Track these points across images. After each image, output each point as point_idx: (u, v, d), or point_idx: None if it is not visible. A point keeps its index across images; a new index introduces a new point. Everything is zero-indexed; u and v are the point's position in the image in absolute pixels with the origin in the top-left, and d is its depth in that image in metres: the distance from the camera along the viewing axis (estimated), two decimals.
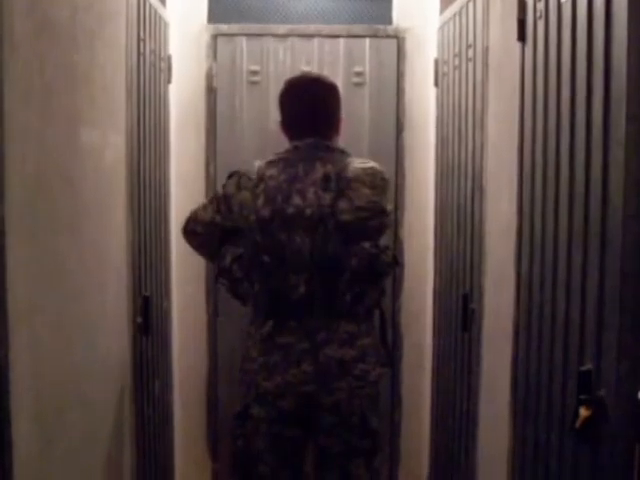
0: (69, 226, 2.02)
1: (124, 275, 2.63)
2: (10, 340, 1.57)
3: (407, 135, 3.80)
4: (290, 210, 2.38)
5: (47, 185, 1.84)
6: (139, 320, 2.79)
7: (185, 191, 3.56)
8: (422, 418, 3.82)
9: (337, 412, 2.41)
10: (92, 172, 2.23)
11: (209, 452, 3.87)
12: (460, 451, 3.05)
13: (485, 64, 2.70)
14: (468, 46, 2.95)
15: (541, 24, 2.08)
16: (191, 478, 3.83)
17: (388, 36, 3.78)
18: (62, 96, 1.96)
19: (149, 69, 2.97)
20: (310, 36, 3.74)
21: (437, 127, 3.57)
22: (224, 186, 2.53)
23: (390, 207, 2.47)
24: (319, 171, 2.40)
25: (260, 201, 2.40)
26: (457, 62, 3.14)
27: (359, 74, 3.77)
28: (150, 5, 2.96)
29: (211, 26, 3.74)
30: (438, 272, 3.53)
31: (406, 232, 3.81)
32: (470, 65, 2.92)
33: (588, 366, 1.74)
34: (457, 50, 3.14)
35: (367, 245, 2.40)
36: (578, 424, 1.70)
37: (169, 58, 3.42)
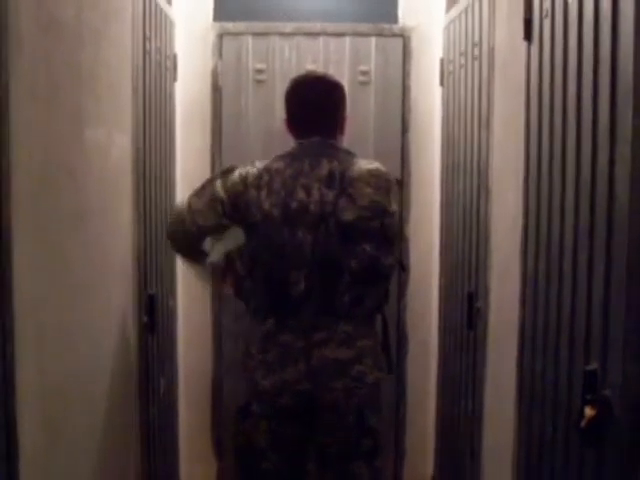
0: (75, 224, 2.03)
1: (130, 273, 2.64)
2: (16, 338, 1.57)
3: (412, 134, 3.80)
4: (294, 205, 2.38)
5: (53, 182, 1.84)
6: (145, 318, 2.80)
7: (191, 189, 3.54)
8: (427, 416, 3.82)
9: (335, 411, 2.41)
10: (98, 170, 2.24)
11: (214, 450, 3.88)
12: (465, 449, 3.05)
13: (491, 63, 2.70)
14: (474, 45, 2.95)
15: (547, 23, 2.07)
16: (196, 476, 3.83)
17: (394, 35, 3.77)
18: (68, 94, 1.96)
19: (155, 67, 2.97)
20: (316, 34, 3.74)
21: (442, 126, 3.57)
22: (224, 183, 2.46)
23: (394, 208, 2.41)
24: (325, 168, 2.40)
25: (264, 193, 2.40)
26: (463, 61, 3.14)
27: (365, 73, 3.77)
28: (156, 3, 2.97)
29: (217, 24, 3.74)
30: (443, 270, 3.53)
31: (411, 230, 3.81)
32: (476, 64, 2.91)
33: (594, 365, 1.73)
34: (463, 49, 3.14)
35: (368, 247, 2.35)
36: (583, 423, 1.70)
37: (175, 56, 3.42)
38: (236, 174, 2.46)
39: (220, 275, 2.60)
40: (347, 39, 3.75)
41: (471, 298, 2.94)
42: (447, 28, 3.45)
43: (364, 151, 3.64)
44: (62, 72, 1.91)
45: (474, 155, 2.93)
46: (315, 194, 2.38)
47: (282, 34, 3.73)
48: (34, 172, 1.71)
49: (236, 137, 3.76)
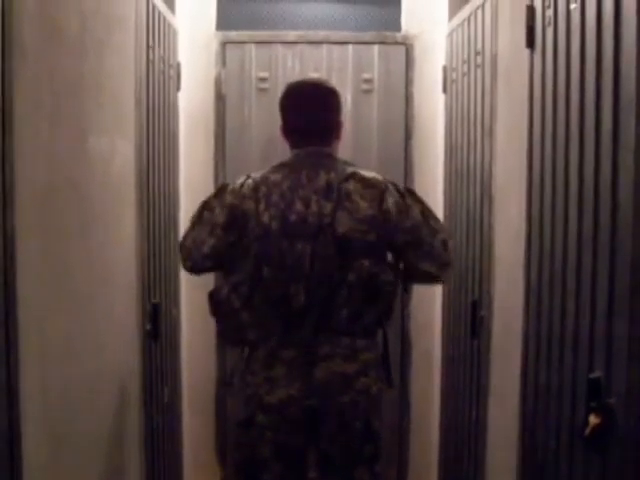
0: (78, 234, 2.03)
1: (133, 282, 2.64)
2: (20, 348, 1.57)
3: (415, 142, 3.80)
4: (292, 217, 2.36)
5: (56, 193, 1.84)
6: (148, 327, 2.80)
7: (194, 198, 3.51)
8: (431, 425, 3.81)
9: (340, 419, 2.40)
10: (101, 179, 2.24)
11: (218, 459, 3.87)
12: (469, 459, 3.04)
13: (494, 71, 2.70)
14: (477, 53, 2.95)
15: (550, 31, 2.08)
16: None
17: (397, 43, 3.78)
18: (71, 104, 1.97)
19: (158, 76, 2.98)
20: (319, 43, 3.75)
21: (446, 134, 3.57)
22: (221, 203, 2.41)
23: (388, 206, 2.35)
24: (322, 179, 2.38)
25: (262, 206, 2.38)
26: (466, 69, 3.14)
27: (368, 81, 3.77)
28: (159, 12, 2.97)
29: (220, 33, 3.75)
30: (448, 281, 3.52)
31: None
32: (479, 72, 2.92)
33: (598, 373, 1.73)
34: (466, 57, 3.14)
35: (367, 262, 2.34)
36: (587, 432, 1.70)
37: (178, 65, 3.43)
38: (230, 189, 2.44)
39: (210, 313, 2.51)
40: (350, 47, 3.76)
41: (475, 307, 2.93)
42: (450, 36, 3.45)
43: (367, 159, 3.66)
44: (66, 82, 1.91)
45: (477, 163, 2.93)
46: (313, 206, 2.36)
47: (285, 42, 3.74)
48: (38, 182, 1.71)
49: (239, 145, 3.77)
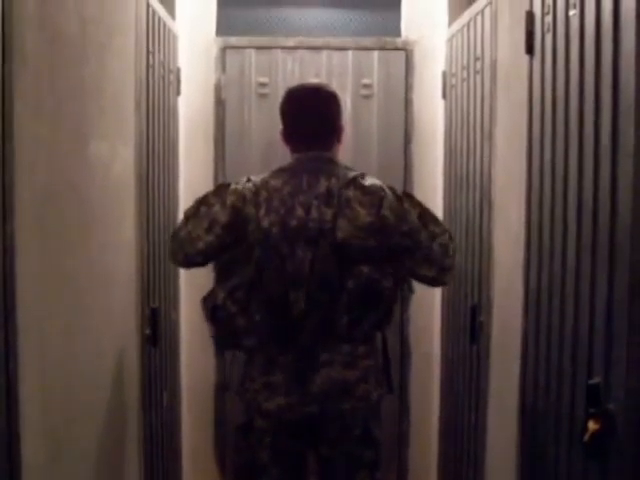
0: (78, 237, 2.03)
1: (132, 286, 2.64)
2: (19, 352, 1.57)
3: (415, 147, 3.81)
4: (293, 222, 2.35)
5: (56, 196, 1.84)
6: (147, 331, 2.80)
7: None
8: (430, 429, 3.81)
9: (340, 425, 2.40)
10: (101, 183, 2.24)
11: (217, 463, 3.87)
12: (468, 463, 3.04)
13: (493, 77, 2.71)
14: (476, 59, 2.96)
15: (549, 37, 2.08)
16: None
17: (396, 48, 3.79)
18: (72, 108, 1.97)
19: (158, 81, 2.99)
20: (319, 48, 3.75)
21: (445, 139, 3.57)
22: (222, 201, 2.40)
23: (385, 213, 2.34)
24: (323, 185, 2.38)
25: (262, 211, 2.37)
26: (465, 74, 3.15)
27: (367, 86, 3.78)
28: (159, 18, 2.98)
29: (220, 39, 3.76)
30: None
31: None
32: (478, 77, 2.92)
33: (597, 379, 1.73)
34: (465, 62, 3.15)
35: (366, 269, 2.34)
36: (586, 437, 1.70)
37: (178, 70, 3.43)
38: (231, 189, 2.41)
39: (206, 319, 2.50)
40: (350, 53, 3.77)
41: (474, 311, 2.93)
42: (449, 41, 3.46)
43: (367, 164, 3.66)
44: (66, 86, 1.91)
45: (477, 168, 2.94)
46: (314, 212, 2.35)
47: (285, 48, 3.75)
48: (38, 186, 1.71)
49: (239, 150, 3.77)
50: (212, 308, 2.42)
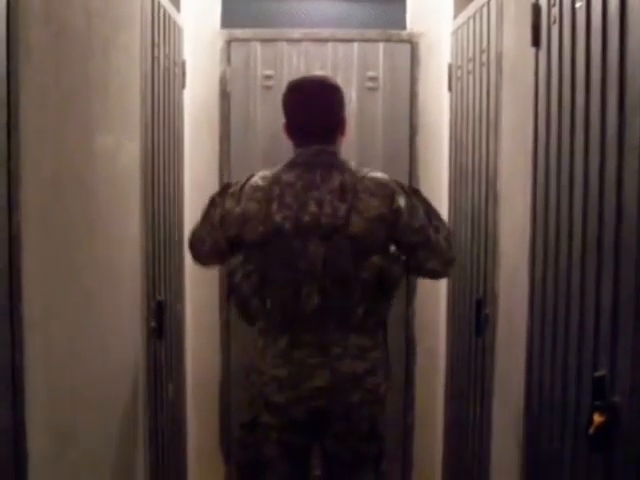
0: (83, 231, 2.03)
1: (138, 279, 2.65)
2: (25, 346, 1.58)
3: (421, 140, 3.80)
4: (306, 218, 2.35)
5: (62, 191, 1.85)
6: (153, 324, 2.80)
7: (199, 196, 3.54)
8: (435, 423, 3.82)
9: (347, 420, 2.41)
10: (106, 177, 2.25)
11: (223, 456, 3.88)
12: (473, 456, 3.05)
13: (499, 69, 2.70)
14: (482, 51, 2.95)
15: (555, 29, 2.07)
16: None
17: (402, 41, 3.78)
18: (77, 102, 1.97)
19: (163, 74, 2.98)
20: (324, 41, 3.74)
21: (451, 132, 3.57)
22: (222, 205, 2.47)
23: (400, 204, 2.37)
24: (336, 180, 2.38)
25: (275, 206, 2.38)
26: (471, 67, 3.14)
27: (373, 79, 3.77)
28: (164, 10, 2.98)
29: (225, 31, 3.75)
30: (452, 277, 3.52)
31: None
32: (484, 70, 2.92)
33: (602, 372, 1.73)
34: (471, 55, 3.14)
35: (376, 259, 2.36)
36: (592, 430, 1.70)
37: (183, 63, 3.43)
38: (230, 193, 2.46)
39: (225, 295, 2.59)
40: (355, 45, 3.76)
41: (479, 305, 2.93)
42: (455, 34, 3.45)
43: (373, 157, 3.66)
44: (71, 80, 1.91)
45: (482, 161, 2.93)
46: (327, 207, 2.35)
47: (290, 40, 3.74)
48: (43, 180, 1.71)
49: (244, 143, 3.77)
50: (231, 286, 2.49)
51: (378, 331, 2.47)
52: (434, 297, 3.79)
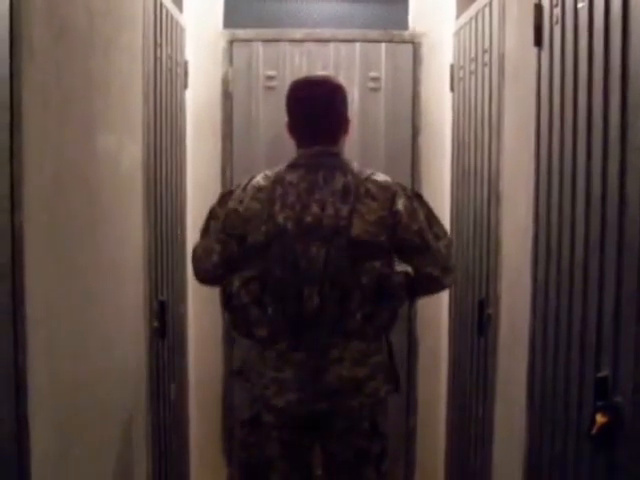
0: (86, 231, 2.03)
1: (140, 280, 2.65)
2: (28, 345, 1.58)
3: (423, 140, 3.80)
4: (308, 219, 2.34)
5: (64, 191, 1.85)
6: (155, 324, 2.81)
7: (201, 196, 3.56)
8: (438, 423, 3.82)
9: (348, 420, 2.40)
10: (109, 177, 2.25)
11: (225, 456, 3.88)
12: (476, 457, 3.05)
13: (501, 69, 2.70)
14: (484, 51, 2.95)
15: (558, 29, 2.07)
16: None
17: (404, 41, 3.78)
18: (79, 102, 1.97)
19: (166, 74, 2.99)
20: (326, 41, 3.74)
21: (453, 132, 3.57)
22: (222, 210, 2.45)
23: (398, 208, 2.36)
24: (339, 181, 2.37)
25: (277, 207, 2.38)
26: (473, 67, 3.14)
27: (375, 79, 3.77)
28: (167, 11, 2.98)
29: (227, 31, 3.76)
30: (452, 287, 3.51)
31: None
32: (486, 70, 2.92)
33: (605, 372, 1.73)
34: (473, 55, 3.14)
35: (378, 264, 2.34)
36: (594, 430, 1.70)
37: (186, 63, 3.43)
38: (234, 197, 2.45)
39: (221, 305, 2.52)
40: (357, 45, 3.76)
41: (482, 305, 2.93)
42: (457, 34, 3.45)
43: (375, 157, 3.66)
44: (74, 80, 1.92)
45: (485, 161, 2.93)
46: (329, 208, 2.34)
47: (292, 41, 3.74)
48: (46, 180, 1.72)
49: (247, 143, 3.77)
50: (228, 296, 2.42)
51: (380, 338, 2.44)
52: (436, 297, 3.77)
